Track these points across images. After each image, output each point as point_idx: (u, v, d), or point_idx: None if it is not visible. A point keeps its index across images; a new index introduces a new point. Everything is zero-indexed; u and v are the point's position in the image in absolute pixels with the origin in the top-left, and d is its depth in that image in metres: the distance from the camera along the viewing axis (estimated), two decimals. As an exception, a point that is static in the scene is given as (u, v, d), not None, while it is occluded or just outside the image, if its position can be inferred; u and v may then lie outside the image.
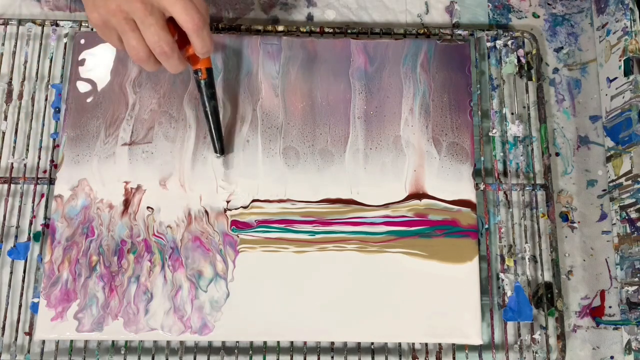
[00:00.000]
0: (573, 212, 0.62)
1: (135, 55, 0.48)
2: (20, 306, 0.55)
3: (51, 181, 0.58)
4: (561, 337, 0.56)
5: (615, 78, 0.61)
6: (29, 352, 0.55)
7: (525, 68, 0.64)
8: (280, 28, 0.63)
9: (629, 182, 0.58)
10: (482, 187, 0.59)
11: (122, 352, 0.55)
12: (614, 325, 0.59)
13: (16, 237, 0.58)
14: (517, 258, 0.59)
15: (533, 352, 0.57)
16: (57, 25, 0.62)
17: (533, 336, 0.57)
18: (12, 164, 0.59)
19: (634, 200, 0.57)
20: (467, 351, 0.56)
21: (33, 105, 0.61)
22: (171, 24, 0.48)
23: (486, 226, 0.59)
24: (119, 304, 0.54)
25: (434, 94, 0.60)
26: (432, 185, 0.58)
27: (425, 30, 0.64)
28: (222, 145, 0.57)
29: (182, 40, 0.49)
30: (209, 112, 0.55)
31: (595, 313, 0.59)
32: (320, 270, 0.55)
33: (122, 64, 0.60)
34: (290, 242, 0.56)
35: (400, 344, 0.56)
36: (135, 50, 0.48)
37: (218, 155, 0.57)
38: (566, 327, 0.58)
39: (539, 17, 0.67)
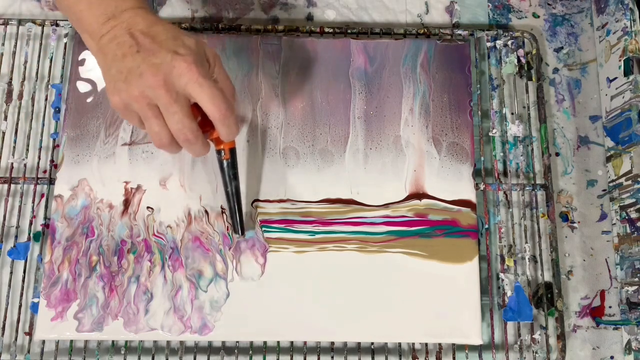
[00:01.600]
0: (573, 212, 0.62)
1: (157, 140, 0.47)
2: (20, 306, 0.55)
3: (51, 181, 0.58)
4: (561, 337, 0.56)
5: (615, 78, 0.61)
6: (29, 352, 0.55)
7: (525, 68, 0.64)
8: (280, 28, 0.63)
9: (629, 182, 0.58)
10: (482, 187, 0.59)
11: (122, 352, 0.55)
12: (614, 325, 0.59)
13: (16, 237, 0.58)
14: (517, 258, 0.59)
15: (533, 352, 0.57)
16: (57, 25, 0.62)
17: (533, 336, 0.57)
18: (12, 164, 0.59)
19: (634, 200, 0.57)
20: (467, 351, 0.56)
21: (33, 105, 0.61)
22: (194, 106, 0.47)
23: (486, 226, 0.59)
24: (119, 304, 0.54)
25: (434, 94, 0.60)
26: (432, 185, 0.58)
27: (425, 30, 0.64)
28: (243, 225, 0.55)
29: (205, 121, 0.48)
30: (230, 193, 0.53)
31: (595, 313, 0.59)
32: (320, 270, 0.55)
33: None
34: (290, 242, 0.56)
35: (400, 344, 0.56)
36: (157, 136, 0.46)
37: (239, 236, 0.55)
38: (566, 327, 0.58)
39: (539, 17, 0.67)
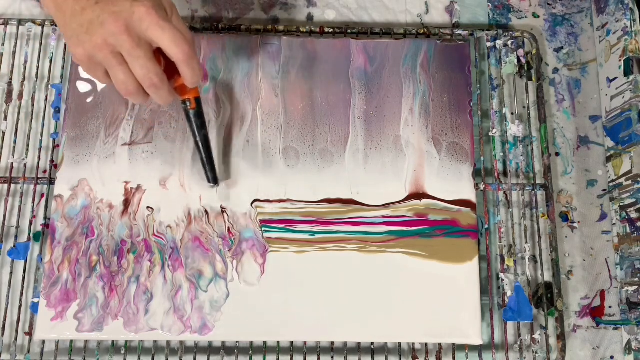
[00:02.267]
0: (573, 212, 0.62)
1: (124, 89, 0.47)
2: (20, 306, 0.55)
3: (51, 181, 0.58)
4: (561, 337, 0.56)
5: (615, 78, 0.61)
6: (29, 352, 0.55)
7: (525, 68, 0.64)
8: (280, 28, 0.63)
9: (629, 182, 0.58)
10: (482, 187, 0.59)
11: (122, 352, 0.55)
12: (614, 325, 0.59)
13: (16, 237, 0.58)
14: (517, 258, 0.59)
15: (533, 352, 0.57)
16: (57, 25, 0.62)
17: (533, 336, 0.57)
18: (12, 164, 0.59)
19: (634, 200, 0.57)
20: (467, 351, 0.56)
21: (33, 105, 0.61)
22: (158, 55, 0.47)
23: (486, 226, 0.59)
24: (119, 304, 0.54)
25: (434, 94, 0.60)
26: (432, 185, 0.58)
27: (425, 30, 0.64)
28: (215, 174, 0.55)
29: (169, 70, 0.48)
30: (199, 142, 0.53)
31: (595, 313, 0.59)
32: (320, 270, 0.55)
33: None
34: (290, 242, 0.56)
35: (400, 344, 0.56)
36: (124, 85, 0.47)
37: (212, 185, 0.56)
38: (566, 327, 0.58)
39: (539, 17, 0.67)
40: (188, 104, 0.52)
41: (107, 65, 0.46)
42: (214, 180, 0.55)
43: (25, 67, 0.61)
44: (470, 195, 0.58)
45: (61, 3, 0.46)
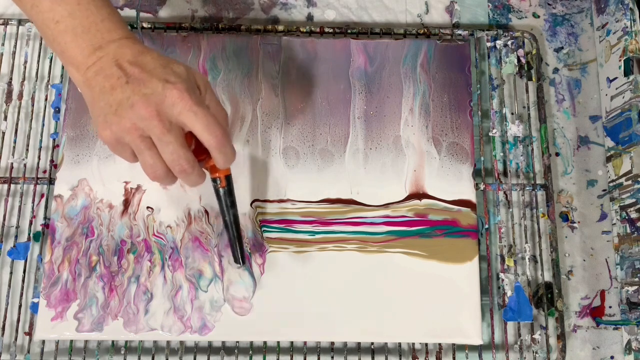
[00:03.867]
0: (573, 212, 0.62)
1: (152, 173, 0.45)
2: (20, 306, 0.55)
3: (51, 181, 0.58)
4: (561, 337, 0.56)
5: (615, 78, 0.61)
6: (29, 352, 0.55)
7: (525, 68, 0.64)
8: (280, 28, 0.63)
9: (629, 182, 0.58)
10: (482, 187, 0.59)
11: (122, 352, 0.55)
12: (614, 325, 0.59)
13: (16, 237, 0.58)
14: (517, 258, 0.59)
15: (533, 352, 0.57)
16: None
17: (533, 336, 0.57)
18: (12, 164, 0.59)
19: (634, 200, 0.57)
20: (467, 351, 0.56)
21: (33, 105, 0.61)
22: (189, 135, 0.45)
23: (486, 226, 0.59)
24: (119, 304, 0.54)
25: (434, 94, 0.60)
26: (432, 185, 0.58)
27: (425, 30, 0.64)
28: (243, 254, 0.53)
29: (198, 149, 0.46)
30: (229, 222, 0.51)
31: (595, 313, 0.59)
32: (320, 270, 0.55)
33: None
34: (290, 242, 0.56)
35: (400, 344, 0.56)
36: (152, 169, 0.45)
37: (239, 265, 0.54)
38: (566, 327, 0.58)
39: (539, 17, 0.67)
40: (218, 182, 0.50)
41: (135, 149, 0.44)
42: (242, 260, 0.53)
43: (25, 67, 0.61)
44: (470, 195, 0.58)
45: (90, 78, 0.44)
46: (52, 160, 0.59)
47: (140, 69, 0.44)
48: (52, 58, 0.62)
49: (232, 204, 0.51)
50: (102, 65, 0.44)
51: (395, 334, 0.55)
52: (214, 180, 0.50)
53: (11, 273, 0.56)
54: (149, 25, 0.62)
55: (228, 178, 0.50)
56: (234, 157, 0.47)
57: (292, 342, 0.56)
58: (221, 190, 0.50)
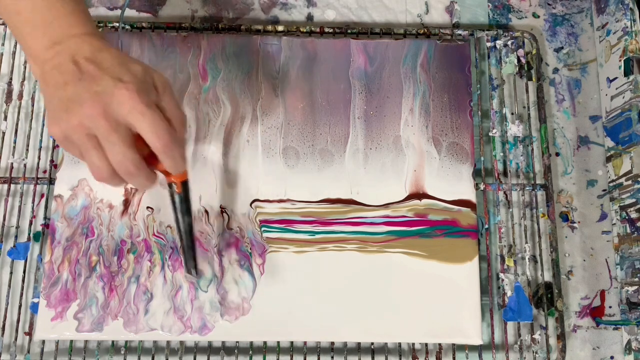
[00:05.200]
0: (573, 212, 0.62)
1: (97, 174, 0.43)
2: (20, 306, 0.55)
3: (51, 181, 0.58)
4: (561, 337, 0.56)
5: (615, 78, 0.61)
6: (28, 352, 0.55)
7: (525, 68, 0.64)
8: (280, 28, 0.63)
9: (629, 182, 0.58)
10: (482, 187, 0.59)
11: (122, 352, 0.55)
12: (614, 325, 0.59)
13: (16, 237, 0.58)
14: (517, 258, 0.59)
15: (533, 352, 0.57)
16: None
17: (533, 336, 0.57)
18: (12, 164, 0.59)
19: (634, 200, 0.57)
20: (467, 351, 0.56)
21: (33, 105, 0.61)
22: (140, 138, 0.43)
23: (486, 226, 0.59)
24: (119, 304, 0.54)
25: (434, 94, 0.60)
26: (432, 185, 0.58)
27: (425, 30, 0.64)
28: (196, 264, 0.51)
29: (153, 152, 0.44)
30: (182, 230, 0.49)
31: (595, 313, 0.59)
32: (320, 270, 0.55)
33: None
34: (290, 242, 0.56)
35: (400, 344, 0.56)
36: (97, 169, 0.43)
37: (190, 276, 0.53)
38: (566, 327, 0.58)
39: (539, 17, 0.67)
40: (174, 187, 0.48)
41: (81, 148, 0.43)
42: (195, 271, 0.52)
43: (25, 67, 0.61)
44: (470, 195, 0.58)
45: (47, 72, 0.43)
46: (52, 160, 0.59)
47: (96, 66, 0.43)
48: (52, 58, 0.62)
49: (188, 212, 0.49)
50: (60, 60, 0.43)
51: (395, 333, 0.55)
52: (169, 185, 0.48)
53: (11, 273, 0.56)
54: (149, 25, 0.62)
55: (185, 184, 0.48)
56: (184, 163, 0.45)
57: (292, 342, 0.56)
58: (176, 196, 0.48)
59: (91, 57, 0.43)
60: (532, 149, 0.62)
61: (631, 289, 0.57)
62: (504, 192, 0.60)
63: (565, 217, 0.61)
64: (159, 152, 0.43)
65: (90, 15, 0.47)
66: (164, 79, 0.45)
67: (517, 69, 0.64)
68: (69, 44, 0.44)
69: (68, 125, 0.42)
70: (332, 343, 0.56)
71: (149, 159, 0.44)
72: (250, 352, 0.56)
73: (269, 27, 0.63)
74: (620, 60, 0.60)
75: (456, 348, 0.56)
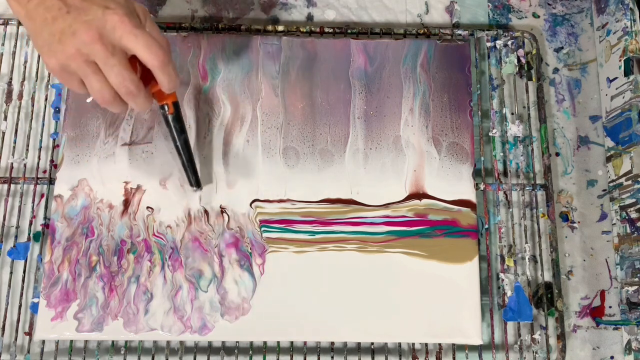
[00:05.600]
0: (573, 212, 0.62)
1: (100, 97, 0.46)
2: (20, 306, 0.55)
3: (51, 181, 0.58)
4: (561, 337, 0.56)
5: (616, 78, 0.61)
6: (28, 352, 0.55)
7: (525, 68, 0.64)
8: (280, 28, 0.63)
9: (629, 182, 0.58)
10: (482, 187, 0.59)
11: (122, 352, 0.55)
12: (614, 325, 0.59)
13: (16, 237, 0.58)
14: (517, 258, 0.59)
15: (533, 352, 0.57)
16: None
17: (533, 336, 0.57)
18: (12, 164, 0.59)
19: (634, 200, 0.57)
20: (467, 351, 0.56)
21: (33, 105, 0.61)
22: (133, 61, 0.46)
23: (486, 226, 0.59)
24: (119, 304, 0.54)
25: (434, 94, 0.60)
26: (432, 185, 0.58)
27: (425, 30, 0.64)
28: (198, 178, 0.55)
29: (145, 76, 0.48)
30: (179, 147, 0.53)
31: (595, 313, 0.59)
32: (320, 270, 0.55)
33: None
34: (290, 242, 0.56)
35: (400, 344, 0.56)
36: (99, 93, 0.46)
37: (195, 189, 0.55)
38: (566, 327, 0.58)
39: (539, 17, 0.67)
40: (166, 108, 0.51)
41: (81, 75, 0.45)
42: (196, 183, 0.55)
43: (25, 67, 0.61)
44: (470, 195, 0.58)
45: (31, 10, 0.45)
46: (52, 160, 0.59)
47: None
48: (52, 58, 0.62)
49: (182, 130, 0.52)
50: None
51: (395, 333, 0.55)
52: (161, 107, 0.51)
53: (11, 273, 0.56)
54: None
55: (175, 104, 0.51)
56: (178, 80, 0.48)
57: (292, 342, 0.56)
58: (170, 116, 0.51)
59: None
60: (532, 149, 0.62)
61: (631, 289, 0.57)
62: (504, 192, 0.60)
63: (565, 217, 0.61)
64: (156, 68, 0.46)
65: None
66: (143, 7, 0.48)
67: (517, 69, 0.64)
68: None
69: (64, 55, 0.44)
70: (332, 343, 0.56)
71: (142, 82, 0.47)
72: (250, 352, 0.56)
73: (269, 27, 0.63)
74: (620, 60, 0.60)
75: (456, 348, 0.56)
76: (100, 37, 0.44)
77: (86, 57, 0.44)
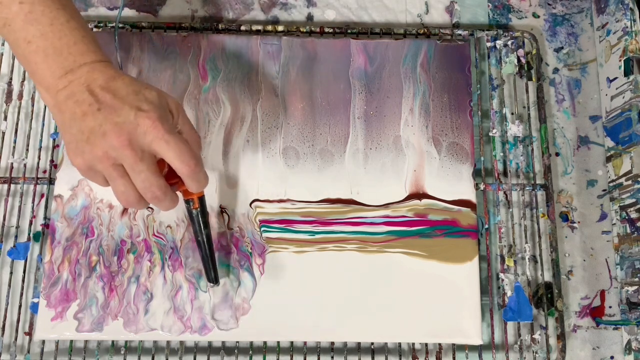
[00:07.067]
0: (573, 212, 0.62)
1: (124, 200, 0.45)
2: (20, 306, 0.55)
3: (51, 181, 0.58)
4: (561, 337, 0.56)
5: (616, 78, 0.61)
6: (28, 352, 0.55)
7: (525, 68, 0.64)
8: (280, 28, 0.63)
9: (629, 182, 0.58)
10: (482, 187, 0.59)
11: (122, 352, 0.55)
12: (614, 325, 0.59)
13: (16, 237, 0.58)
14: (517, 258, 0.59)
15: (533, 352, 0.57)
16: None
17: (533, 336, 0.57)
18: (12, 164, 0.59)
19: (634, 200, 0.57)
20: (467, 351, 0.56)
21: (33, 105, 0.61)
22: (161, 161, 0.46)
23: (486, 226, 0.59)
24: (119, 304, 0.54)
25: (434, 94, 0.60)
26: (432, 185, 0.58)
27: (425, 30, 0.64)
28: (217, 273, 0.53)
29: (171, 173, 0.47)
30: (202, 242, 0.52)
31: (595, 313, 0.59)
32: (320, 270, 0.55)
33: (122, 64, 0.60)
34: (290, 242, 0.56)
35: (400, 344, 0.56)
36: (124, 196, 0.45)
37: (212, 285, 0.53)
38: (566, 327, 0.58)
39: (539, 17, 0.67)
40: (191, 204, 0.50)
41: (107, 177, 0.45)
42: (215, 280, 0.53)
43: (25, 67, 0.61)
44: (470, 195, 0.58)
45: (61, 102, 0.44)
46: (52, 160, 0.59)
47: (112, 96, 0.44)
48: (52, 58, 0.62)
49: (206, 225, 0.51)
50: (73, 89, 0.44)
51: (395, 334, 0.55)
52: (187, 202, 0.50)
53: (11, 273, 0.56)
54: (149, 25, 0.62)
55: (201, 199, 0.51)
56: (207, 182, 0.48)
57: (292, 342, 0.56)
58: (194, 211, 0.51)
59: (106, 86, 0.44)
60: (532, 149, 0.62)
61: (631, 289, 0.57)
62: (504, 192, 0.60)
63: (565, 217, 0.61)
64: (186, 177, 0.45)
65: (98, 42, 0.47)
66: (176, 102, 0.47)
67: (517, 69, 0.64)
68: (82, 72, 0.44)
69: (92, 156, 0.43)
70: (332, 343, 0.56)
71: (167, 179, 0.46)
72: (250, 352, 0.56)
73: (269, 27, 0.63)
74: (620, 60, 0.60)
75: (456, 348, 0.56)
76: (130, 143, 0.43)
77: (114, 161, 0.43)
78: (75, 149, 0.44)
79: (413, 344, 0.56)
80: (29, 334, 0.55)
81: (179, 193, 0.49)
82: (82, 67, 0.45)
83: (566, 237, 0.61)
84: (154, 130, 0.43)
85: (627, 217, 0.58)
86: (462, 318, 0.55)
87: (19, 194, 0.58)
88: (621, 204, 0.59)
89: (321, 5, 0.66)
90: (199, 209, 0.51)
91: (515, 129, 0.61)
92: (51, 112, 0.46)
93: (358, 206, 0.57)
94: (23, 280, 0.56)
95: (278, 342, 0.56)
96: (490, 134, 0.61)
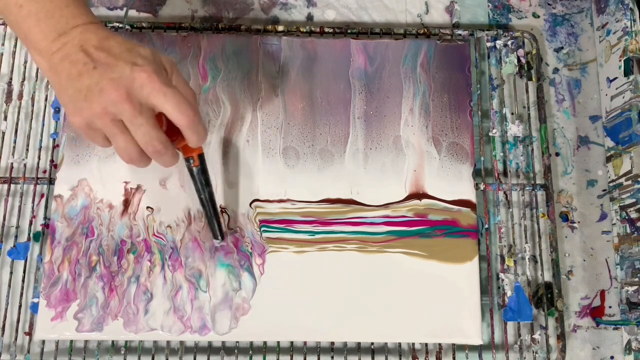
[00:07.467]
0: (573, 212, 0.62)
1: (125, 156, 0.45)
2: (20, 306, 0.55)
3: (51, 181, 0.58)
4: (561, 337, 0.56)
5: (616, 78, 0.61)
6: (28, 352, 0.55)
7: (525, 68, 0.64)
8: (280, 28, 0.63)
9: (629, 182, 0.58)
10: (482, 187, 0.59)
11: (122, 352, 0.55)
12: (614, 325, 0.59)
13: (16, 237, 0.58)
14: (517, 258, 0.59)
15: (533, 352, 0.57)
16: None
17: (533, 336, 0.57)
18: (12, 164, 0.59)
19: (634, 200, 0.57)
20: (467, 351, 0.56)
21: (33, 105, 0.61)
22: (160, 116, 0.46)
23: (486, 226, 0.59)
24: (119, 304, 0.54)
25: (434, 94, 0.60)
26: (432, 185, 0.58)
27: (425, 30, 0.64)
28: (222, 229, 0.54)
29: (171, 130, 0.47)
30: (204, 199, 0.52)
31: (595, 313, 0.59)
32: (320, 270, 0.55)
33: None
34: (290, 242, 0.56)
35: (400, 344, 0.56)
36: (125, 152, 0.45)
37: (219, 241, 0.55)
38: (566, 327, 0.58)
39: (539, 17, 0.67)
40: (192, 161, 0.51)
41: (107, 133, 0.45)
42: (221, 235, 0.54)
43: (25, 67, 0.61)
44: (470, 195, 0.58)
45: (56, 64, 0.44)
46: (52, 160, 0.59)
47: (107, 54, 0.44)
48: (52, 58, 0.62)
49: (207, 182, 0.52)
50: (68, 50, 0.44)
51: (395, 334, 0.55)
52: (187, 159, 0.50)
53: (11, 273, 0.56)
54: (149, 25, 0.62)
55: (201, 157, 0.51)
56: (206, 136, 0.48)
57: (292, 342, 0.56)
58: (195, 169, 0.51)
59: (100, 45, 0.44)
60: (532, 149, 0.62)
61: (631, 289, 0.57)
62: (504, 192, 0.60)
63: (565, 217, 0.61)
64: (185, 127, 0.45)
65: (88, 5, 0.48)
66: (170, 59, 0.47)
67: (517, 69, 0.64)
68: (75, 33, 0.45)
69: (91, 113, 0.43)
70: (332, 343, 0.56)
71: (168, 136, 0.46)
72: (250, 352, 0.56)
73: (269, 27, 0.63)
74: (620, 60, 0.60)
75: (456, 348, 0.56)
76: (128, 96, 0.43)
77: (113, 116, 0.43)
78: (73, 109, 0.44)
79: (413, 344, 0.56)
80: (29, 334, 0.55)
81: (179, 152, 0.49)
82: (75, 29, 0.45)
83: (566, 237, 0.61)
84: (150, 83, 0.43)
85: (627, 217, 0.58)
86: (462, 318, 0.55)
87: (19, 194, 0.58)
88: (621, 204, 0.59)
89: (321, 5, 0.66)
90: (199, 167, 0.51)
91: (515, 129, 0.61)
92: (46, 76, 0.46)
93: (358, 206, 0.57)
94: (23, 280, 0.56)
95: (278, 342, 0.56)
96: (490, 134, 0.61)
